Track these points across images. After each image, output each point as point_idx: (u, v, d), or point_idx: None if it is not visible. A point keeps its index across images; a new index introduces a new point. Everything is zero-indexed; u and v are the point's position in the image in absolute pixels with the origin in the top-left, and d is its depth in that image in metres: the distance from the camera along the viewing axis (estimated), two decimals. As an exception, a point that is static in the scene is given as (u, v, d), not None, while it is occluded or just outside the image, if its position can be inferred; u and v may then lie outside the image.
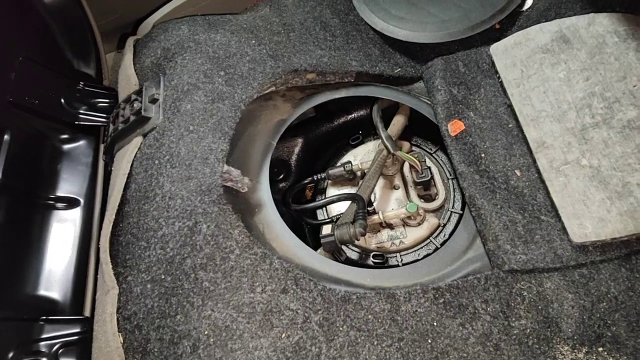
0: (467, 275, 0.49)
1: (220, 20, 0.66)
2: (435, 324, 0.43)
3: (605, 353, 0.43)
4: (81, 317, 0.52)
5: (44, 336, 0.49)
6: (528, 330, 0.44)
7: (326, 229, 0.53)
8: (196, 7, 0.75)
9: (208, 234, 0.43)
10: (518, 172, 0.54)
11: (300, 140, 0.75)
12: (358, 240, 0.51)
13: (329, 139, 0.76)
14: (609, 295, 0.44)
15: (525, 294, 0.46)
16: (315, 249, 0.56)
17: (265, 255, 0.43)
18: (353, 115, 0.76)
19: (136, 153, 0.54)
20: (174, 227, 0.44)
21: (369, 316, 0.43)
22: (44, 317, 0.50)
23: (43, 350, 0.48)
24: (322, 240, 0.51)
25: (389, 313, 0.43)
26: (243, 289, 0.41)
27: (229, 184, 0.49)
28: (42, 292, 0.53)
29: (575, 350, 0.43)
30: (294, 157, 0.76)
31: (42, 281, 0.54)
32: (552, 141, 0.51)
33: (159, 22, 0.73)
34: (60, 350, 0.48)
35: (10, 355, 0.46)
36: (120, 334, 0.42)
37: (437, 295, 0.45)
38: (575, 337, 0.43)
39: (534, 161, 0.52)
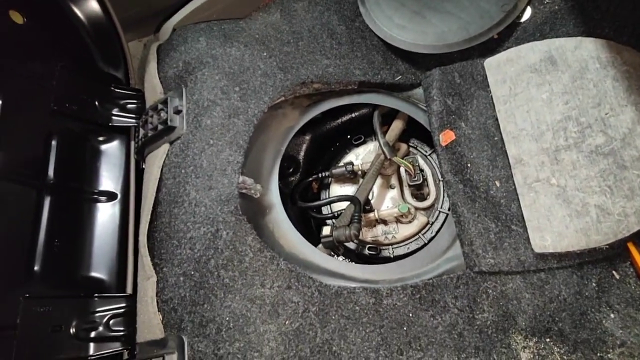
0: (444, 273, 0.58)
1: (235, 30, 0.71)
2: (410, 315, 0.53)
3: (551, 343, 0.52)
4: (125, 294, 0.64)
5: (98, 309, 0.62)
6: (489, 322, 0.53)
7: (326, 230, 0.62)
8: (212, 10, 0.80)
9: (227, 240, 0.52)
10: (498, 183, 0.61)
11: (307, 138, 0.82)
12: (352, 241, 0.60)
13: (334, 136, 0.83)
14: (559, 297, 0.52)
15: (490, 292, 0.55)
16: (318, 242, 0.65)
17: (274, 257, 0.53)
18: (356, 115, 0.82)
19: (165, 160, 0.63)
20: (200, 232, 0.54)
21: (357, 308, 0.53)
22: (97, 295, 0.62)
23: (97, 320, 0.61)
24: (322, 240, 0.60)
25: (373, 306, 0.53)
26: (255, 285, 0.51)
27: (244, 191, 0.58)
28: (93, 273, 0.65)
29: (527, 340, 0.53)
30: (302, 153, 0.84)
31: (92, 265, 0.65)
32: (528, 159, 0.57)
33: (178, 25, 0.78)
34: (111, 321, 0.61)
35: (74, 323, 0.59)
36: (159, 313, 0.54)
37: (414, 292, 0.54)
38: (528, 329, 0.52)
39: (512, 175, 0.59)
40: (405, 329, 0.52)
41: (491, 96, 0.65)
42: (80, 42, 0.73)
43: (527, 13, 0.68)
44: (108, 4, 0.73)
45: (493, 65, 0.65)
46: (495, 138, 0.63)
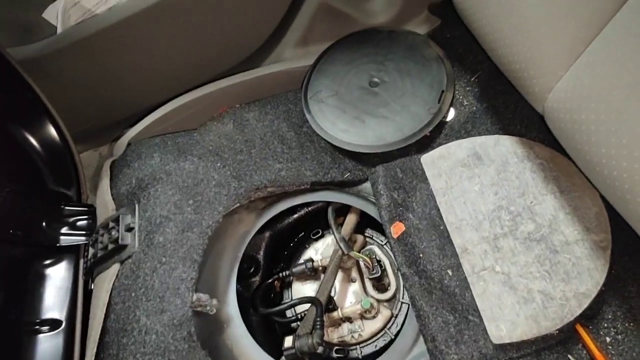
0: (413, 373, 0.57)
1: (189, 142, 0.75)
2: None
3: None
4: None
5: None
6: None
7: (288, 341, 0.60)
8: (167, 125, 0.84)
9: (181, 370, 0.49)
10: (450, 272, 0.63)
11: (266, 235, 0.83)
12: (316, 350, 0.58)
13: (292, 232, 0.85)
14: (524, 387, 0.53)
15: (460, 388, 0.54)
16: (283, 344, 0.62)
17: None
18: (312, 209, 0.85)
19: (114, 282, 0.60)
20: (151, 363, 0.50)
21: None
22: None
23: None
24: (285, 354, 0.58)
25: None
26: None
27: (199, 309, 0.56)
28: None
29: None
30: (262, 252, 0.84)
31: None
32: (472, 248, 0.61)
33: (133, 141, 0.81)
34: None
35: None
36: None
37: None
38: None
39: (461, 264, 0.62)
40: None
41: (431, 188, 0.70)
42: (30, 165, 0.72)
43: (451, 114, 0.78)
44: (61, 124, 0.75)
45: (428, 161, 0.72)
46: (441, 227, 0.67)
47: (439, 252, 0.65)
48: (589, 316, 0.53)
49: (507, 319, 0.54)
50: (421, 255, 0.66)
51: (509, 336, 0.53)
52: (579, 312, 0.51)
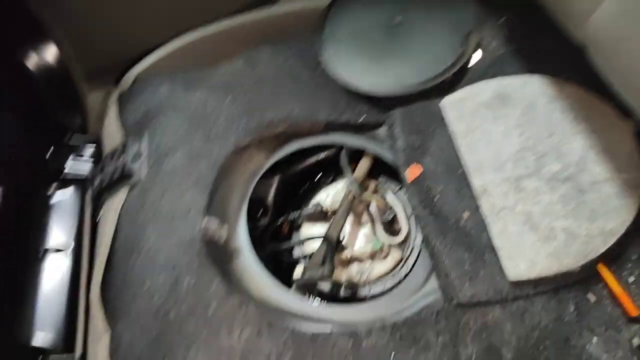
0: (423, 308, 0.56)
1: (198, 77, 0.72)
2: (391, 355, 0.49)
3: (539, 375, 0.50)
4: (72, 354, 0.56)
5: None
6: (474, 356, 0.51)
7: (298, 271, 0.59)
8: (175, 61, 0.81)
9: (189, 287, 0.48)
10: (466, 214, 0.61)
11: (276, 179, 0.81)
12: (326, 280, 0.57)
13: (303, 176, 0.83)
14: (541, 325, 0.51)
15: (472, 324, 0.53)
16: (292, 282, 0.62)
17: (242, 302, 0.49)
18: (325, 156, 0.83)
19: (122, 207, 0.59)
20: (159, 280, 0.49)
21: (334, 353, 0.49)
22: (40, 358, 0.54)
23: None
24: (295, 282, 0.57)
25: (351, 349, 0.49)
26: (222, 334, 0.46)
27: (208, 235, 0.55)
28: (37, 335, 0.57)
29: (514, 373, 0.50)
30: (271, 195, 0.82)
31: (36, 325, 0.57)
32: (492, 189, 0.59)
33: (141, 75, 0.78)
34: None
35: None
36: (112, 379, 0.47)
37: (394, 331, 0.51)
38: (514, 362, 0.50)
39: (479, 205, 0.60)
40: (388, 372, 0.48)
41: (450, 132, 0.67)
42: (34, 90, 0.70)
43: (476, 57, 0.74)
44: (67, 52, 0.72)
45: (450, 103, 0.68)
46: (459, 171, 0.65)
47: (455, 195, 0.63)
48: (613, 256, 0.51)
49: (526, 257, 0.52)
50: (437, 197, 0.64)
51: (527, 273, 0.51)
52: (603, 249, 0.49)
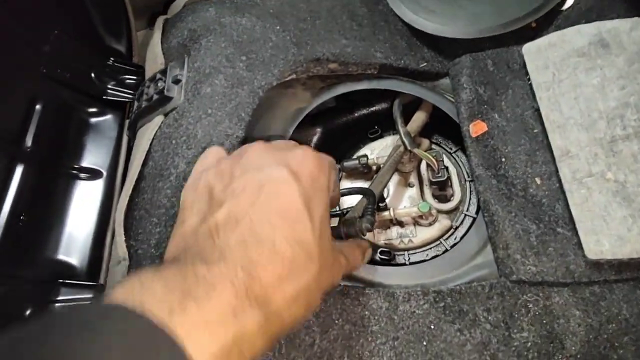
0: (472, 281, 0.48)
1: (248, 3, 0.66)
2: (432, 327, 0.43)
3: (609, 375, 0.41)
4: (95, 283, 0.55)
5: (59, 298, 0.53)
6: (529, 343, 0.43)
7: (333, 222, 0.53)
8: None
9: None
10: (538, 180, 0.52)
11: (318, 130, 0.75)
12: (364, 235, 0.50)
13: (347, 130, 0.76)
14: (619, 317, 0.42)
15: (531, 306, 0.44)
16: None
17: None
18: (374, 107, 0.75)
19: (156, 131, 0.55)
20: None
21: (366, 312, 0.43)
22: (61, 281, 0.53)
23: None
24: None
25: (386, 311, 0.43)
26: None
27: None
28: (61, 257, 0.56)
29: (577, 369, 0.42)
30: (311, 146, 0.76)
31: (62, 247, 0.57)
32: (577, 151, 0.48)
33: (189, 2, 0.73)
34: (74, 313, 0.51)
35: (28, 313, 0.50)
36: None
37: (437, 299, 0.44)
38: (579, 356, 0.42)
39: (557, 170, 0.50)
40: (425, 343, 0.42)
41: (530, 85, 0.57)
42: (82, 10, 0.67)
43: (570, 0, 0.62)
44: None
45: (533, 50, 0.57)
46: (535, 130, 0.55)
47: (527, 158, 0.54)
48: None
49: (613, 233, 0.43)
50: (503, 159, 0.55)
51: (613, 252, 0.42)
52: None
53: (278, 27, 0.62)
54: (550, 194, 0.50)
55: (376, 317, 0.43)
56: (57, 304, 0.52)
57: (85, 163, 0.63)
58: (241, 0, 0.67)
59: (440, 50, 0.67)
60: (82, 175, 0.62)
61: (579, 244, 0.44)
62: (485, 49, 0.63)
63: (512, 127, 0.57)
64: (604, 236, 0.43)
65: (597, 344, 0.42)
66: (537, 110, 0.55)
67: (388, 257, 0.61)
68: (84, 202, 0.61)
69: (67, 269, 0.56)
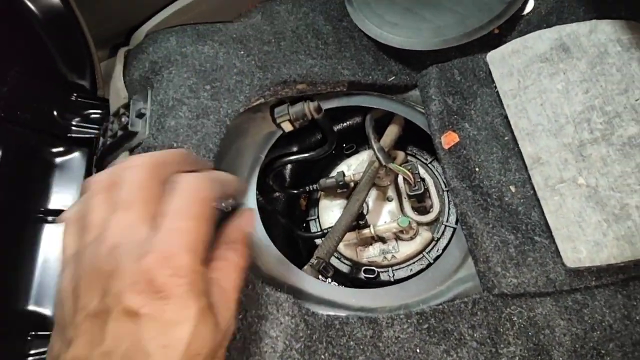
0: (456, 297, 0.48)
1: (210, 30, 0.65)
2: (418, 350, 0.42)
3: (599, 384, 0.41)
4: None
5: (32, 352, 0.50)
6: (517, 357, 0.42)
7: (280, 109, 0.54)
8: (189, 16, 0.74)
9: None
10: (513, 188, 0.52)
11: (294, 149, 0.74)
12: (316, 117, 0.50)
13: (323, 145, 0.75)
14: (603, 324, 0.42)
15: (515, 319, 0.44)
16: (307, 261, 0.55)
17: (248, 281, 0.42)
18: (347, 123, 0.75)
19: (122, 169, 0.53)
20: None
21: (351, 342, 0.42)
22: (33, 333, 0.51)
23: (32, 366, 0.49)
24: (276, 115, 0.53)
25: (370, 339, 0.42)
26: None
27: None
28: (32, 307, 0.53)
29: (567, 380, 0.41)
30: (288, 167, 0.75)
31: (32, 295, 0.54)
32: (547, 157, 0.49)
33: (151, 32, 0.72)
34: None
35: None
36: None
37: (420, 321, 0.43)
38: (567, 367, 0.41)
39: (529, 177, 0.50)
40: (411, 369, 0.41)
41: (497, 92, 0.57)
42: (40, 46, 0.65)
43: (530, 4, 0.63)
44: (75, 8, 0.67)
45: (497, 58, 0.58)
46: (506, 138, 0.55)
47: (499, 167, 0.54)
48: None
49: (589, 239, 0.43)
50: (477, 169, 0.55)
51: (591, 259, 0.42)
52: (694, 233, 0.39)
53: (242, 52, 0.61)
54: (525, 201, 0.50)
55: (361, 347, 0.42)
56: (29, 358, 0.49)
57: (52, 205, 0.61)
58: (203, 26, 0.66)
59: (408, 63, 0.67)
60: (50, 218, 0.60)
61: (557, 252, 0.44)
62: (452, 58, 0.63)
63: (484, 135, 0.57)
64: (580, 243, 0.43)
65: (583, 352, 0.42)
66: (507, 117, 0.55)
67: (372, 275, 0.60)
68: (54, 247, 0.58)
69: (38, 319, 0.53)
